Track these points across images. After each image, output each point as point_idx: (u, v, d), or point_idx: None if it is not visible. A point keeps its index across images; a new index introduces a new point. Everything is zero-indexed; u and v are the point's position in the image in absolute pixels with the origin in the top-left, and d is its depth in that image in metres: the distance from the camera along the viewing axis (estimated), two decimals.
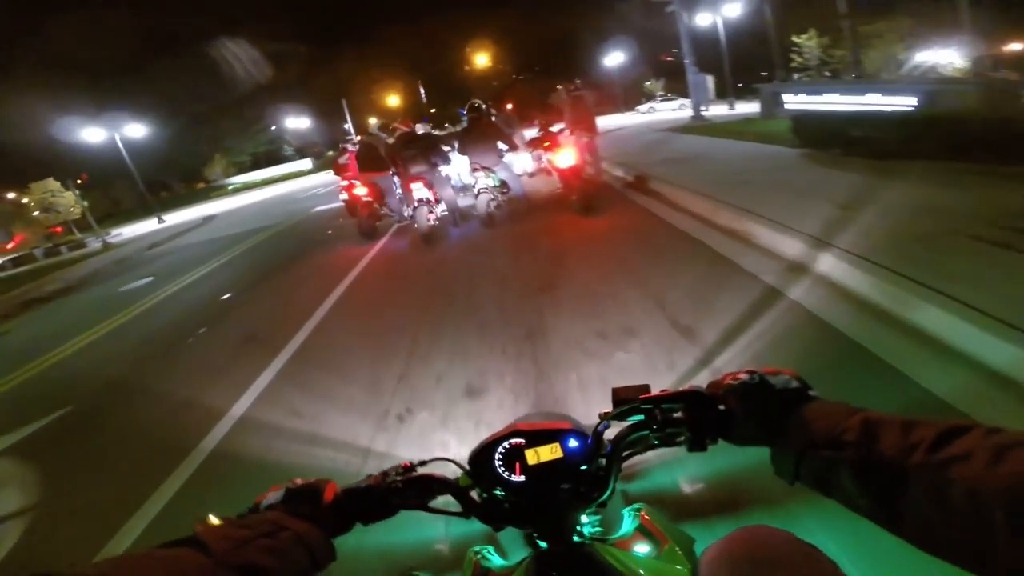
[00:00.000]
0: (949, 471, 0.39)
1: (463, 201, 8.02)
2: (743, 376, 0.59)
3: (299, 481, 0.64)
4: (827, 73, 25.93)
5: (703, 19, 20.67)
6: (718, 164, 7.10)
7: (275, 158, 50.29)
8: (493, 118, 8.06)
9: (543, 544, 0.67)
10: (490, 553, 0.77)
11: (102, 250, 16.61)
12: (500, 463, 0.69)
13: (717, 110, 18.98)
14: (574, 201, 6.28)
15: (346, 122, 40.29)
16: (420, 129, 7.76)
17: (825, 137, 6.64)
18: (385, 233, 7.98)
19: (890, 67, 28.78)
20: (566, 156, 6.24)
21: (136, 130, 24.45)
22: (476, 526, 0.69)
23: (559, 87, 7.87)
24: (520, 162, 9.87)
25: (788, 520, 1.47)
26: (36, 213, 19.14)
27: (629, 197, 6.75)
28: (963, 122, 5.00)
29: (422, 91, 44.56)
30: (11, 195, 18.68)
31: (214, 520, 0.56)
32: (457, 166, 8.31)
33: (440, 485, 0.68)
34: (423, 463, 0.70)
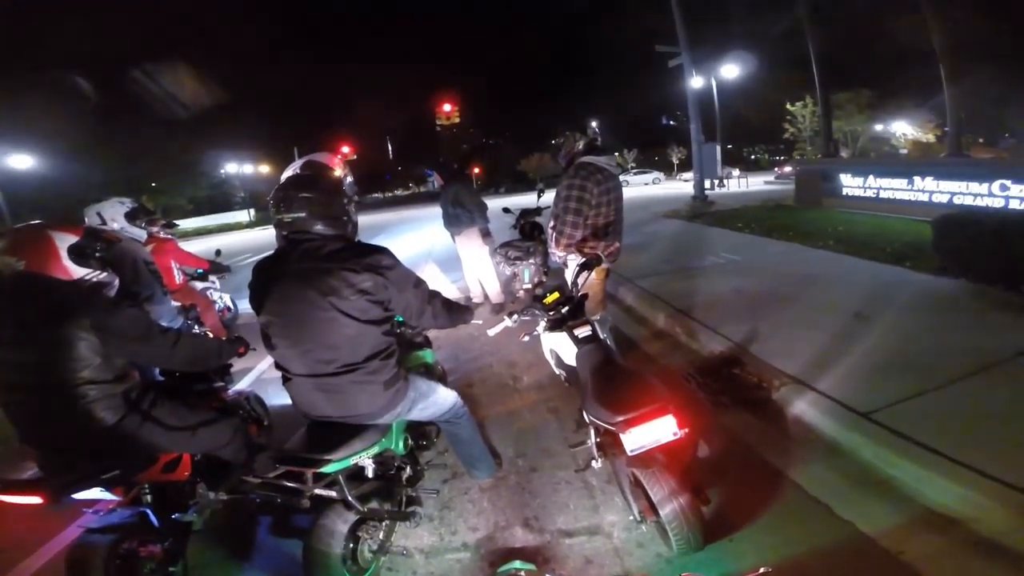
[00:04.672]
0: None
1: None
2: None
3: None
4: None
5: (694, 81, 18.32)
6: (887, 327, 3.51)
7: (220, 205, 44.70)
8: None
9: None
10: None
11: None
12: None
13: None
14: None
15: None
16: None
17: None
18: None
19: (849, 139, 30.42)
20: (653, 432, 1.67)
21: (23, 161, 20.91)
22: None
23: (568, 134, 3.11)
24: (475, 267, 5.17)
25: None
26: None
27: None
28: None
29: (389, 146, 41.69)
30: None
31: None
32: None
33: None
34: None
